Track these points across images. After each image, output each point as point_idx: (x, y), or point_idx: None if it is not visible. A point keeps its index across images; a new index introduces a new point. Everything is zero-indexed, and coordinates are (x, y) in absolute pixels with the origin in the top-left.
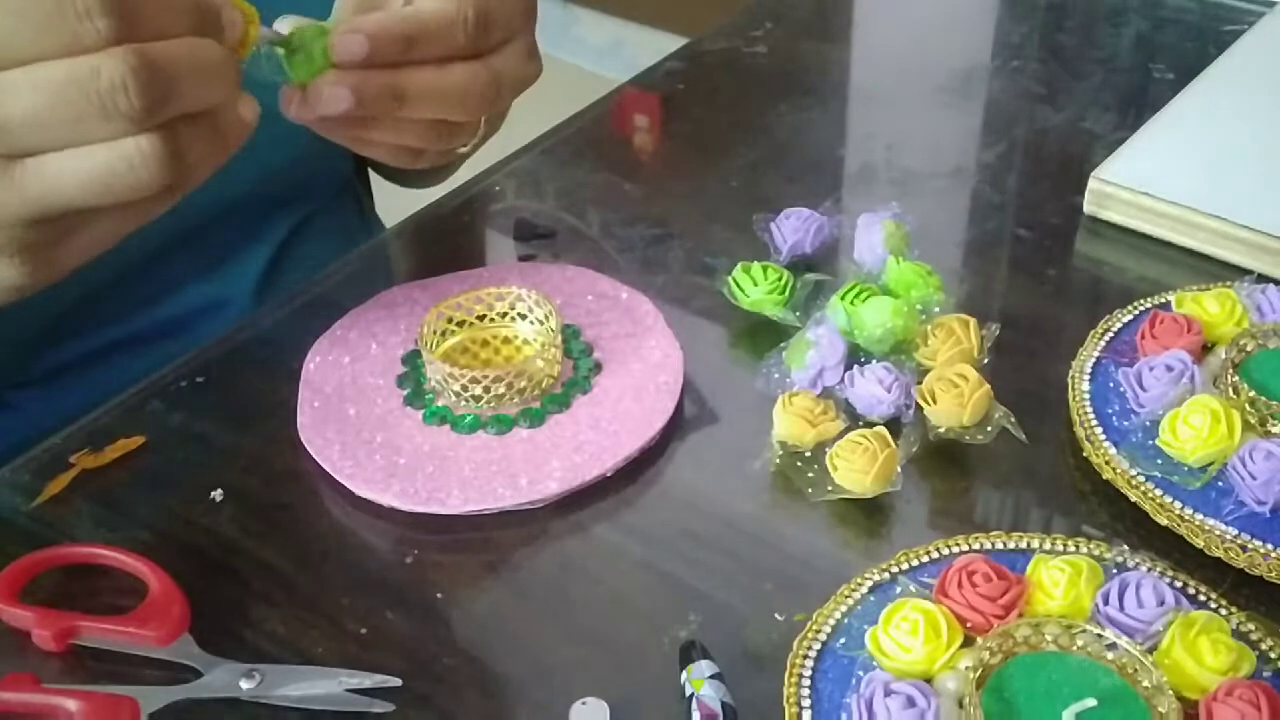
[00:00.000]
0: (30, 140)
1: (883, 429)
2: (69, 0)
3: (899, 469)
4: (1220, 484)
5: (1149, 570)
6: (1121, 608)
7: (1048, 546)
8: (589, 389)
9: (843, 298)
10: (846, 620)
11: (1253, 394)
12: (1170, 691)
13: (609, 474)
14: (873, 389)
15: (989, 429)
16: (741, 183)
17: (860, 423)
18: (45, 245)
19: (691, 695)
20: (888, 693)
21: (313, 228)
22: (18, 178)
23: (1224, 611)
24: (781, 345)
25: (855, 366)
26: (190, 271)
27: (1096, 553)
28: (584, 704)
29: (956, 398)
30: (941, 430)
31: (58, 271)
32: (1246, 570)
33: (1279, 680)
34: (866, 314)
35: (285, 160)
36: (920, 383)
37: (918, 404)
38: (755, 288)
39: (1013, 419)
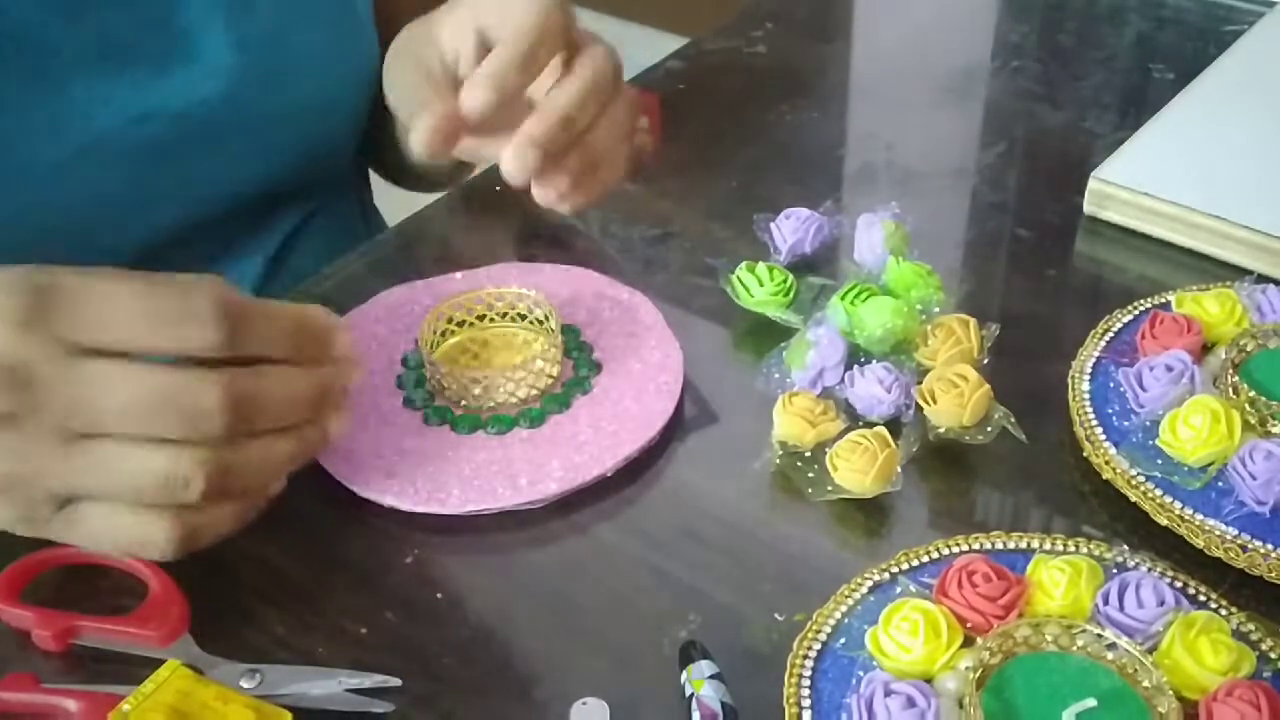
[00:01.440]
0: (109, 426)
1: (883, 429)
2: (189, 305)
3: (899, 469)
4: (1220, 484)
5: (1149, 570)
6: (1121, 608)
7: (1048, 546)
8: (589, 389)
9: (843, 298)
10: (846, 620)
11: (1253, 394)
12: (1170, 692)
13: (609, 474)
14: (873, 389)
15: (989, 429)
16: (741, 183)
17: (860, 423)
18: (50, 520)
19: (691, 695)
20: (888, 693)
21: (313, 227)
22: (70, 453)
23: (1224, 612)
24: (782, 345)
25: (855, 366)
26: (190, 271)
27: (1096, 553)
28: (584, 704)
29: (956, 398)
30: (941, 430)
31: (44, 535)
32: (1246, 570)
33: (1279, 680)
34: (866, 314)
35: (287, 160)
36: (920, 383)
37: (918, 404)
38: (761, 288)
39: (1012, 419)
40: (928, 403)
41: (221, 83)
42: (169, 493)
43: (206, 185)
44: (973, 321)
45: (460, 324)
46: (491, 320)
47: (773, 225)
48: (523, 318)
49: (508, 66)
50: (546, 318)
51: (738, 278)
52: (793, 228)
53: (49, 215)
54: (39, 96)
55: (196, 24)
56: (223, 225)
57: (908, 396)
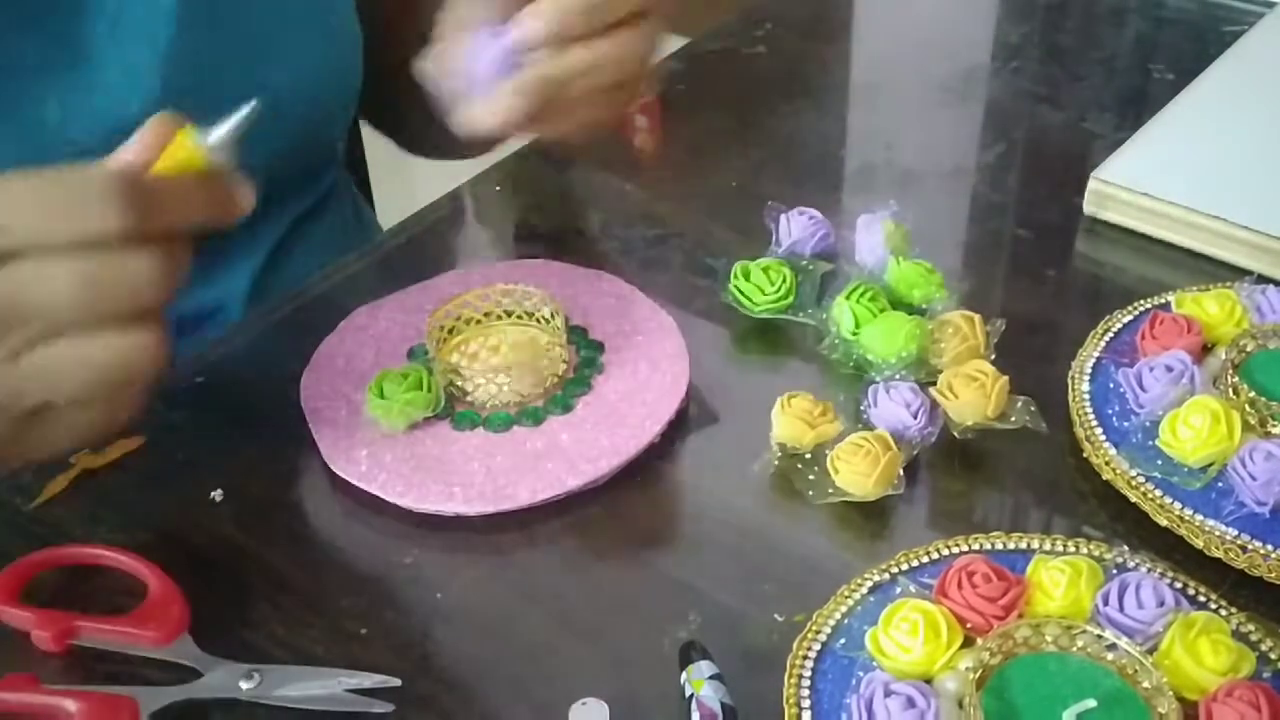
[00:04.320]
0: (47, 326)
1: (884, 431)
2: (88, 191)
3: (900, 471)
4: (1220, 484)
5: (1149, 571)
6: (1121, 608)
7: (1048, 547)
8: (590, 389)
9: (847, 297)
10: (846, 621)
11: (1253, 394)
12: (1170, 692)
13: (610, 474)
14: (898, 412)
15: (1012, 419)
16: (741, 183)
17: (860, 425)
18: (17, 434)
19: (691, 695)
20: (888, 693)
21: (307, 230)
22: (19, 365)
23: (1224, 612)
24: None
25: (878, 385)
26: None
27: (1096, 553)
28: (584, 704)
29: (979, 390)
30: (968, 424)
31: (22, 460)
32: (1246, 571)
33: (1279, 681)
34: (875, 339)
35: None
36: (933, 384)
37: (934, 401)
38: (763, 295)
39: (1034, 407)
40: (948, 398)
41: (151, 93)
42: (126, 290)
43: None
44: (977, 318)
45: (467, 322)
46: (498, 318)
47: (782, 218)
48: (529, 315)
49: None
50: (552, 316)
51: (736, 288)
52: (801, 225)
53: None
54: (9, 109)
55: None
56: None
57: (932, 421)
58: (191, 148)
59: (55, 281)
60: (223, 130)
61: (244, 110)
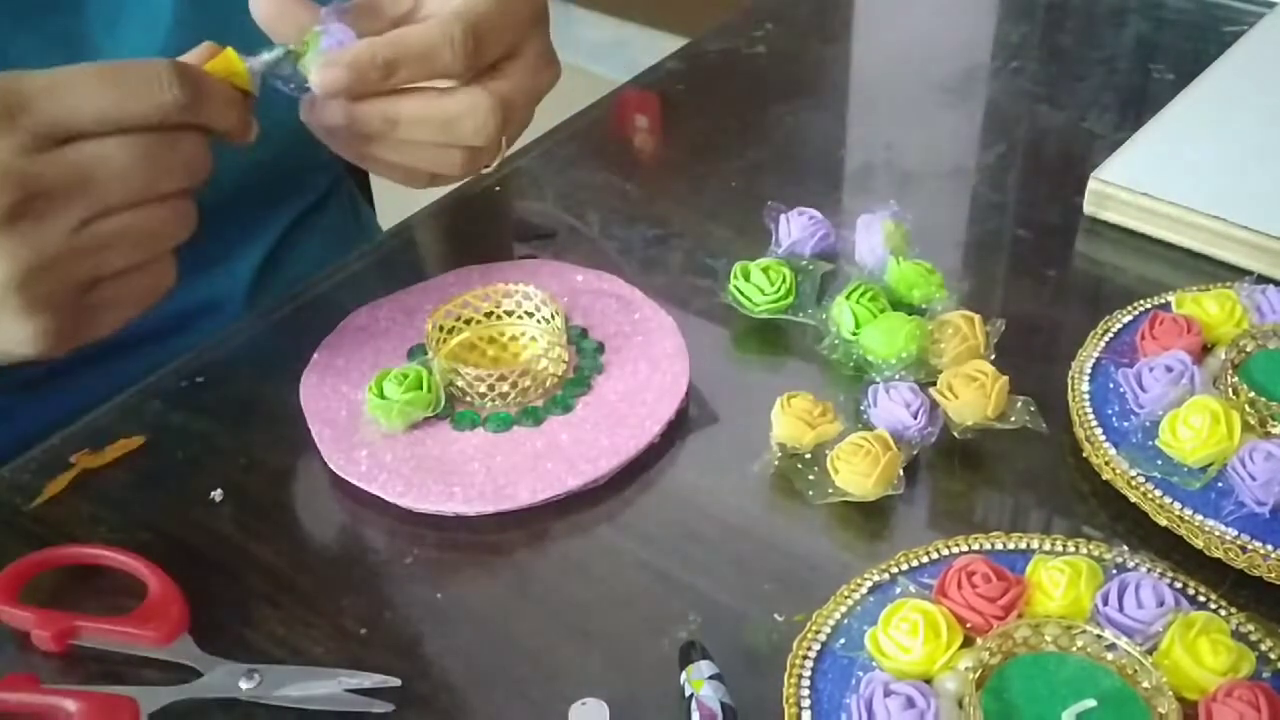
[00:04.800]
0: (111, 198)
1: (884, 431)
2: (149, 70)
3: (900, 471)
4: (1220, 485)
5: (1149, 571)
6: (1121, 608)
7: (1048, 547)
8: (590, 389)
9: (847, 297)
10: (846, 621)
11: (1252, 395)
12: (1170, 692)
13: (610, 474)
14: (898, 413)
15: (1011, 419)
16: (741, 183)
17: (860, 425)
18: (71, 312)
19: (691, 695)
20: (887, 693)
21: (306, 229)
22: (80, 237)
23: (1224, 612)
24: None
25: (878, 385)
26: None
27: (1096, 553)
28: (584, 704)
29: (979, 390)
30: (968, 424)
31: (71, 343)
32: (1246, 571)
33: (1279, 681)
34: (875, 339)
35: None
36: (933, 384)
37: (934, 401)
38: (763, 296)
39: (1034, 407)
40: (948, 398)
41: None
42: (183, 163)
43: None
44: (977, 318)
45: (467, 322)
46: (499, 318)
47: (782, 217)
48: (529, 315)
49: (370, 63)
50: (553, 316)
51: (736, 289)
52: (801, 225)
53: None
54: None
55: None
56: (214, 226)
57: (931, 421)
58: (236, 61)
59: (116, 160)
60: (262, 58)
61: (278, 50)
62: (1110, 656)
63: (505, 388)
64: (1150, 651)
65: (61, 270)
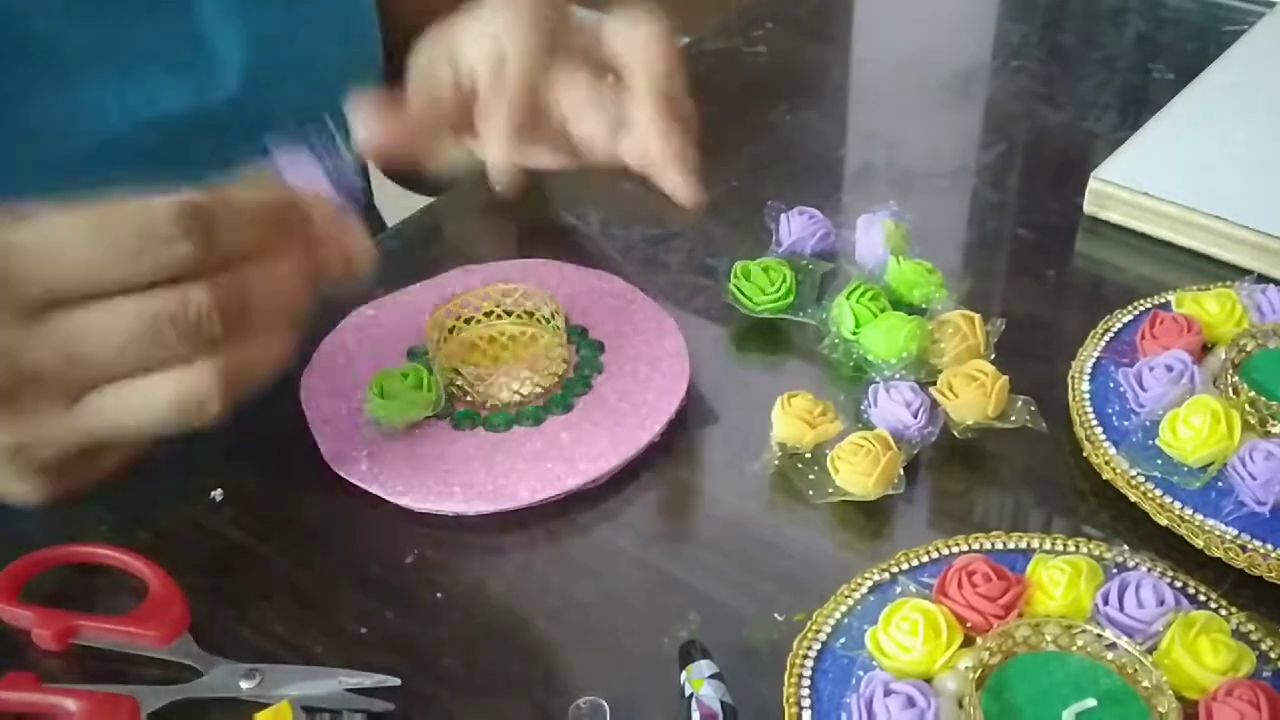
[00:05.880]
0: (108, 373)
1: (884, 431)
2: (150, 225)
3: (900, 471)
4: (1220, 484)
5: (1149, 570)
6: (1121, 608)
7: (1048, 546)
8: (590, 389)
9: (847, 297)
10: (846, 620)
11: (1253, 394)
12: (1170, 692)
13: (610, 474)
14: (898, 412)
15: (1011, 419)
16: (741, 182)
17: (860, 424)
18: (68, 469)
19: (691, 695)
20: (887, 693)
21: None
22: (76, 412)
23: (1224, 612)
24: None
25: (878, 385)
26: None
27: (1096, 553)
28: (584, 704)
29: (979, 390)
30: (968, 424)
31: (71, 490)
32: (1246, 570)
33: (1279, 680)
34: (875, 339)
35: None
36: (933, 384)
37: (934, 401)
38: (763, 295)
39: (1034, 407)
40: (948, 398)
41: (232, 85)
42: (196, 335)
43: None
44: (977, 318)
45: (468, 320)
46: (499, 317)
47: (783, 217)
48: (530, 314)
49: (517, 103)
50: (553, 315)
51: (737, 288)
52: (801, 225)
53: None
54: (52, 95)
55: (212, 27)
56: None
57: (932, 420)
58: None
59: (112, 334)
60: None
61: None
62: (1110, 656)
63: (504, 388)
64: (1150, 651)
65: (56, 441)
